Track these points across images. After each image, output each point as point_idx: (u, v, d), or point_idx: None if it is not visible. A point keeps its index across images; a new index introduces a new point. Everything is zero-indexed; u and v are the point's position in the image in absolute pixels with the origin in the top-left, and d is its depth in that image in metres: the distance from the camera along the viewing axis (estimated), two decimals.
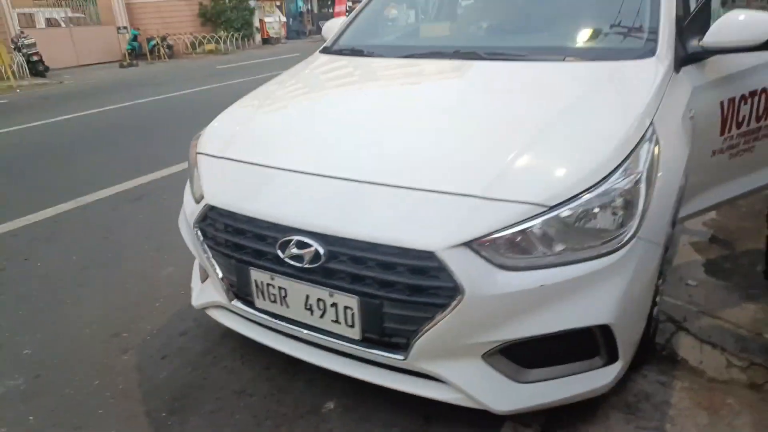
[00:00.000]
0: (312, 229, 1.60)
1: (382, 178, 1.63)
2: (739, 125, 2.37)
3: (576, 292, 1.50)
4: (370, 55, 2.47)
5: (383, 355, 1.63)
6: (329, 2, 29.11)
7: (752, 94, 2.35)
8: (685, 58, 2.12)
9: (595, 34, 2.31)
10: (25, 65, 15.45)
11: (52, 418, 1.95)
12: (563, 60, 2.07)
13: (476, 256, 1.46)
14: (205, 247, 1.90)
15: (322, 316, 1.68)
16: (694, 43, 2.13)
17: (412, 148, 1.75)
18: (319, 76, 2.53)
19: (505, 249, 1.47)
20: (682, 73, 2.10)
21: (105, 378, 2.14)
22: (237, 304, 1.89)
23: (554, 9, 2.58)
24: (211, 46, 20.95)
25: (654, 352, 2.10)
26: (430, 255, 1.46)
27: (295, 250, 1.62)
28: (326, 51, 2.69)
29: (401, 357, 1.60)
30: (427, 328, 1.52)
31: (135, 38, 19.45)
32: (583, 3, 2.55)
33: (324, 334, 1.71)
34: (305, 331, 1.75)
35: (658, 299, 1.99)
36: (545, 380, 1.60)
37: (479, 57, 2.19)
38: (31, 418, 1.96)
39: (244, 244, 1.76)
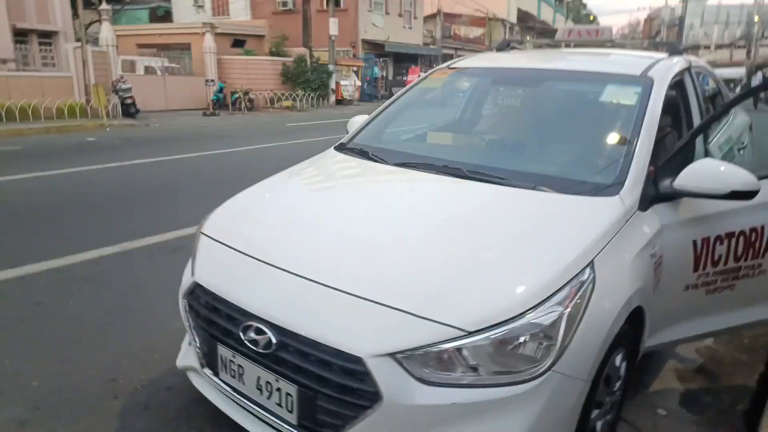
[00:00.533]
0: (269, 318, 1.82)
1: (334, 282, 1.83)
2: (715, 263, 2.43)
3: (486, 414, 1.62)
4: (372, 158, 2.73)
5: None
6: (404, 71, 30.47)
7: (729, 235, 2.42)
8: (656, 197, 2.25)
9: (575, 166, 2.47)
10: (119, 107, 17.01)
11: None
12: (533, 188, 2.24)
13: (399, 367, 1.62)
14: (189, 317, 2.16)
15: (269, 397, 1.87)
16: (666, 183, 2.25)
17: (368, 258, 1.95)
18: (320, 175, 2.81)
19: (425, 364, 1.63)
20: (651, 211, 2.21)
21: (91, 419, 2.39)
22: (207, 371, 2.12)
23: (548, 134, 2.79)
24: (288, 103, 22.30)
25: None
26: (358, 360, 1.63)
27: (252, 335, 1.83)
28: (340, 148, 2.98)
29: None
30: (350, 426, 1.68)
31: (221, 90, 21.02)
32: (575, 132, 2.73)
33: (269, 414, 1.89)
34: (257, 408, 1.94)
35: (599, 427, 2.04)
36: None
37: (461, 175, 2.39)
38: None
39: (216, 321, 2.00)
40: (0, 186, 6.92)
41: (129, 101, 17.09)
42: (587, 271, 1.81)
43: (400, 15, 31.01)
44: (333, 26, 23.75)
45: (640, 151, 2.29)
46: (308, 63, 23.47)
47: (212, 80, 20.80)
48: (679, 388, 2.77)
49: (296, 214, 2.34)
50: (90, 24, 21.09)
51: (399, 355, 1.62)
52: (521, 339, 1.64)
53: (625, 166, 2.26)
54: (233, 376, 1.98)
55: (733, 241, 2.44)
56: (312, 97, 23.05)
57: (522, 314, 1.65)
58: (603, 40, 3.58)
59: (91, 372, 2.75)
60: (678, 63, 2.96)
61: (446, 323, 1.63)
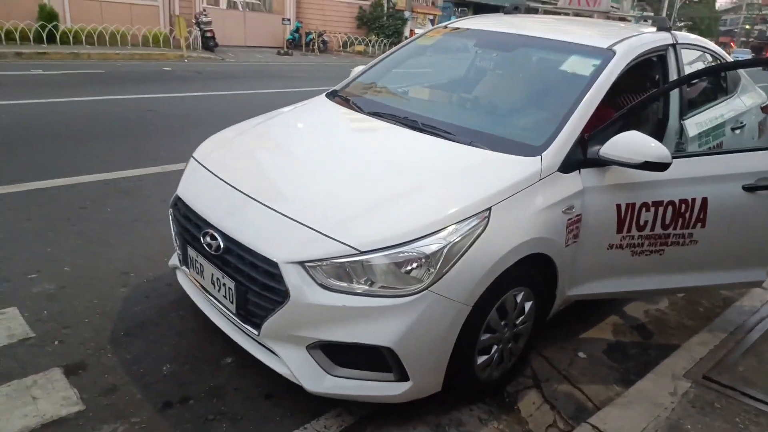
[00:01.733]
0: (219, 227, 2.27)
1: (272, 202, 2.25)
2: (641, 228, 2.64)
3: (369, 317, 2.01)
4: (351, 106, 3.08)
5: (246, 328, 2.26)
6: None
7: (657, 203, 2.61)
8: (583, 162, 2.49)
9: (515, 127, 2.74)
10: (200, 39, 17.84)
11: (56, 316, 2.80)
12: (469, 144, 2.54)
13: (305, 273, 2.03)
14: (173, 224, 2.66)
15: (218, 290, 2.35)
16: (595, 150, 2.48)
17: (305, 186, 2.36)
18: (300, 116, 3.19)
19: (326, 273, 2.03)
20: (575, 174, 2.46)
21: (101, 300, 2.98)
22: (183, 268, 2.63)
23: (506, 97, 3.02)
24: (360, 48, 22.47)
25: (498, 396, 2.51)
26: (275, 264, 2.06)
27: (209, 240, 2.30)
28: (332, 94, 3.34)
29: (256, 332, 2.21)
30: (269, 316, 2.12)
31: (297, 30, 21.43)
32: (529, 97, 2.96)
33: (219, 303, 2.38)
34: (212, 299, 2.43)
35: (494, 350, 2.38)
36: (349, 378, 2.13)
37: (416, 127, 2.70)
38: (45, 312, 2.84)
39: (188, 227, 2.48)
40: (73, 105, 7.75)
41: (209, 35, 17.84)
42: (482, 215, 2.13)
43: None
44: None
45: (574, 118, 2.51)
46: (384, 8, 23.38)
47: (288, 19, 21.20)
48: (610, 339, 3.05)
49: (262, 147, 2.78)
50: None
51: (307, 263, 2.03)
52: (404, 261, 2.00)
53: (557, 131, 2.50)
54: (197, 273, 2.47)
55: (661, 209, 2.63)
56: (385, 44, 23.07)
57: (408, 242, 2.01)
58: (599, 10, 3.68)
59: (111, 265, 3.35)
60: (659, 39, 3.08)
61: (344, 242, 2.02)
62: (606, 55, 2.80)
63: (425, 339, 2.08)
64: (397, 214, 2.14)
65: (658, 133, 3.22)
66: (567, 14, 3.97)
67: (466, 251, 2.07)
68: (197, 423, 2.21)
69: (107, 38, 15.70)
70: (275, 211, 2.21)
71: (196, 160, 2.75)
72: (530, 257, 2.31)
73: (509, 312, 2.37)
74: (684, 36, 3.38)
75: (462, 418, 2.36)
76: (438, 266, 2.02)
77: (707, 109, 3.55)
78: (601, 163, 2.48)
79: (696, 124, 3.34)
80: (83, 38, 15.17)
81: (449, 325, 2.10)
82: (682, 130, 3.22)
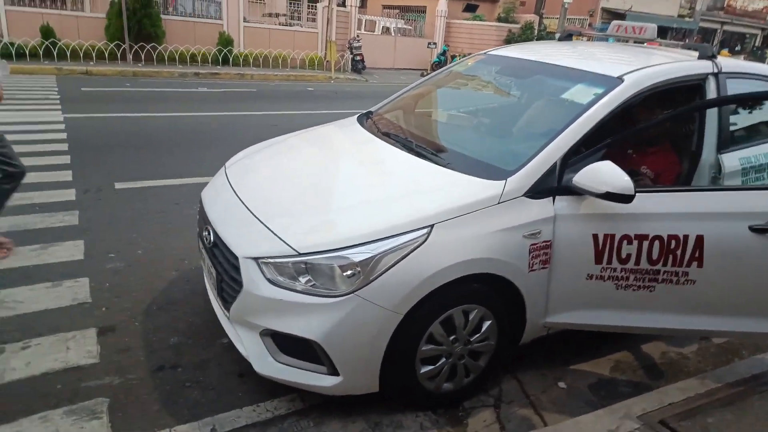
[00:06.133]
0: (213, 224, 2.67)
1: (252, 206, 2.58)
2: (623, 261, 2.54)
3: (304, 312, 2.24)
4: (368, 127, 3.35)
5: (223, 310, 2.62)
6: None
7: (640, 237, 2.49)
8: (557, 189, 2.48)
9: (498, 152, 2.79)
10: (349, 62, 19.21)
11: (114, 287, 3.42)
12: (445, 165, 2.66)
13: (257, 268, 2.33)
14: (197, 221, 3.14)
15: (209, 276, 2.75)
16: (569, 178, 2.47)
17: (282, 194, 2.68)
18: (320, 135, 3.52)
19: (276, 270, 2.31)
20: (547, 201, 2.46)
21: (153, 279, 3.56)
22: (201, 255, 3.09)
23: (504, 123, 3.07)
24: None
25: (452, 408, 2.57)
26: (237, 258, 2.40)
27: (206, 234, 2.72)
28: (365, 115, 3.64)
29: (228, 315, 2.56)
30: (233, 301, 2.46)
31: (443, 53, 22.06)
32: (524, 123, 2.97)
33: (210, 286, 2.78)
34: (209, 283, 2.84)
35: (441, 362, 2.45)
36: (290, 366, 2.38)
37: (410, 148, 2.86)
38: (107, 284, 3.48)
39: (200, 223, 2.93)
40: (208, 118, 8.94)
41: (358, 58, 19.17)
42: (422, 230, 2.27)
43: None
44: None
45: (551, 146, 2.51)
46: (535, 30, 23.08)
47: (434, 43, 21.92)
48: (603, 375, 2.89)
49: (272, 160, 3.15)
50: None
51: (260, 260, 2.34)
52: (335, 265, 2.21)
53: (531, 157, 2.52)
54: (202, 260, 2.90)
55: (646, 243, 2.50)
56: None
57: (341, 248, 2.22)
58: (644, 39, 3.52)
59: (174, 252, 3.96)
60: (693, 67, 2.93)
61: (289, 244, 2.29)
62: (612, 83, 2.73)
63: (352, 338, 2.25)
64: (341, 223, 2.36)
65: (691, 167, 3.03)
66: (626, 41, 3.84)
67: (397, 262, 2.21)
68: (175, 386, 2.61)
69: (270, 61, 17.59)
70: (252, 213, 2.55)
71: (225, 167, 3.20)
72: (483, 277, 2.38)
73: (458, 327, 2.45)
74: (734, 65, 3.12)
75: (403, 422, 2.47)
76: (366, 273, 2.20)
77: (764, 143, 3.23)
78: (574, 191, 2.46)
79: (740, 158, 3.07)
80: (251, 61, 17.18)
81: (378, 328, 2.25)
82: (719, 164, 2.99)
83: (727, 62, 3.07)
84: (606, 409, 2.45)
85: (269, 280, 2.30)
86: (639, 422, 2.31)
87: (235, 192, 2.79)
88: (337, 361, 2.27)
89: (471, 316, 2.45)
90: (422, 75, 20.36)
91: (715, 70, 2.97)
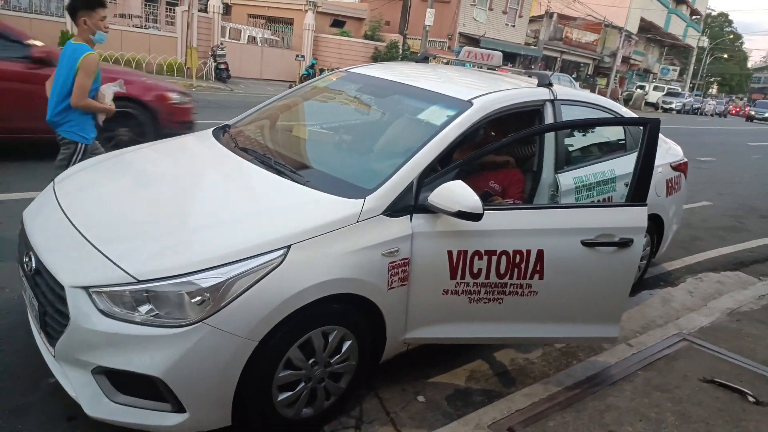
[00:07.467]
0: (35, 251, 2.33)
1: (83, 227, 2.29)
2: (475, 275, 2.62)
3: (143, 346, 2.01)
4: (223, 141, 3.18)
5: (47, 347, 2.29)
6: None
7: (489, 252, 2.60)
8: (414, 207, 2.50)
9: (358, 170, 2.78)
10: (213, 70, 18.49)
11: None
12: (304, 183, 2.58)
13: (88, 298, 2.06)
14: (17, 245, 2.73)
15: (30, 307, 2.40)
16: (425, 197, 2.50)
17: (120, 214, 2.42)
18: (165, 148, 3.31)
19: (110, 300, 2.06)
20: (405, 219, 2.46)
21: None
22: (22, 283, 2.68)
23: (364, 141, 3.09)
24: None
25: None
26: (62, 288, 2.10)
27: (26, 260, 2.37)
28: (221, 128, 3.45)
29: (53, 352, 2.24)
30: (59, 337, 2.15)
31: (312, 66, 22.06)
32: (384, 143, 3.01)
33: (32, 318, 2.43)
34: (31, 315, 2.47)
35: (300, 387, 2.34)
36: (129, 406, 2.14)
37: (269, 164, 2.72)
38: None
39: (21, 249, 2.55)
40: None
41: (222, 66, 18.49)
42: (278, 252, 2.15)
43: (504, 12, 30.49)
44: (429, 16, 23.84)
45: (407, 165, 2.54)
46: (399, 50, 23.94)
47: (302, 56, 21.87)
48: (460, 385, 2.95)
49: (111, 175, 2.87)
50: None
51: (91, 289, 2.06)
52: (179, 292, 2.02)
53: (389, 176, 2.52)
54: (23, 290, 2.53)
55: (495, 258, 2.62)
56: None
57: (187, 274, 2.04)
58: (492, 65, 3.78)
59: None
60: (532, 94, 3.15)
61: (126, 271, 2.05)
62: (462, 106, 2.84)
63: (201, 371, 2.06)
64: (189, 246, 2.17)
65: (533, 185, 3.24)
66: (480, 68, 4.07)
67: (251, 286, 2.08)
68: None
69: (122, 65, 16.35)
70: (84, 237, 2.25)
71: (53, 183, 2.84)
72: (344, 297, 2.32)
73: (317, 350, 2.36)
74: (566, 92, 3.41)
75: None
76: (216, 299, 2.04)
77: (594, 163, 3.56)
78: (430, 209, 2.49)
79: (574, 178, 3.34)
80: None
81: (230, 358, 2.09)
82: (556, 183, 3.23)
83: (562, 90, 3.36)
84: (460, 420, 2.51)
85: (102, 312, 2.05)
86: (490, 431, 2.38)
87: (64, 212, 2.47)
88: (182, 397, 2.07)
89: (331, 338, 2.38)
90: (290, 87, 20.18)
91: (551, 97, 3.23)
